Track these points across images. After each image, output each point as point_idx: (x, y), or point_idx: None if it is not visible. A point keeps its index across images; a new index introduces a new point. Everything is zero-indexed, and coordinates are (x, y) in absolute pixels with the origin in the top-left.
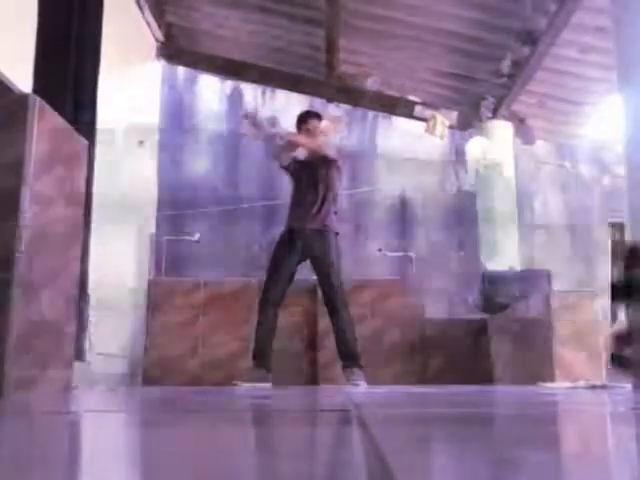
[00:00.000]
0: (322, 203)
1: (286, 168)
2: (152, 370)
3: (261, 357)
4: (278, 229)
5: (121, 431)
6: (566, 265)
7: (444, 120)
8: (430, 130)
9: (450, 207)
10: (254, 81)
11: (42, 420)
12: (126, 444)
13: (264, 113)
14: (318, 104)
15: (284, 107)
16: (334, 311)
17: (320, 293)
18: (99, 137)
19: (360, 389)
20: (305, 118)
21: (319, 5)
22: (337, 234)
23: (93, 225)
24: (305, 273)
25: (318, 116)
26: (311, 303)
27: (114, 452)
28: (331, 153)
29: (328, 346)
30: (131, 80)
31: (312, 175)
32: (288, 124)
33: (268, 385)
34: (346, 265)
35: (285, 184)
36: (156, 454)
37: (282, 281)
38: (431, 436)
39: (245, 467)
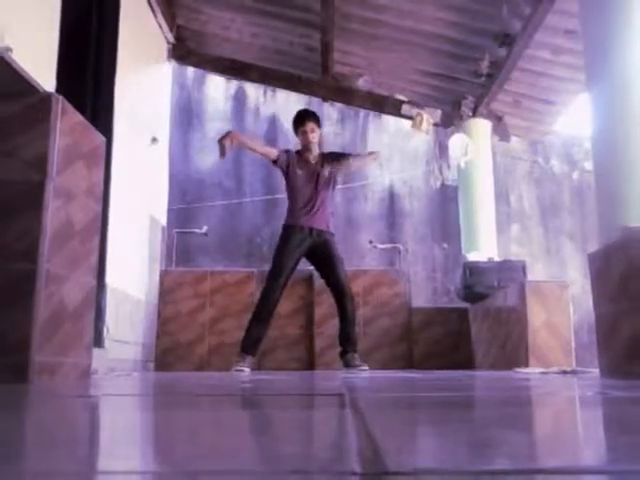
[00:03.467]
0: (326, 204)
1: (279, 165)
2: (164, 356)
3: (254, 348)
4: (277, 222)
5: (136, 413)
6: (539, 256)
7: (429, 118)
8: (417, 126)
9: (434, 201)
10: (256, 81)
11: (65, 403)
12: (140, 424)
13: (265, 112)
14: (315, 103)
15: (284, 106)
16: (345, 303)
17: (317, 283)
18: (118, 134)
19: (365, 373)
20: (303, 119)
21: (316, 9)
22: (333, 235)
23: (111, 218)
24: (301, 263)
25: (316, 117)
26: (308, 292)
27: (130, 431)
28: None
29: (324, 333)
30: (145, 80)
31: (318, 176)
32: (287, 123)
33: (248, 369)
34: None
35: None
36: (166, 433)
37: (286, 279)
38: (418, 419)
39: (239, 447)
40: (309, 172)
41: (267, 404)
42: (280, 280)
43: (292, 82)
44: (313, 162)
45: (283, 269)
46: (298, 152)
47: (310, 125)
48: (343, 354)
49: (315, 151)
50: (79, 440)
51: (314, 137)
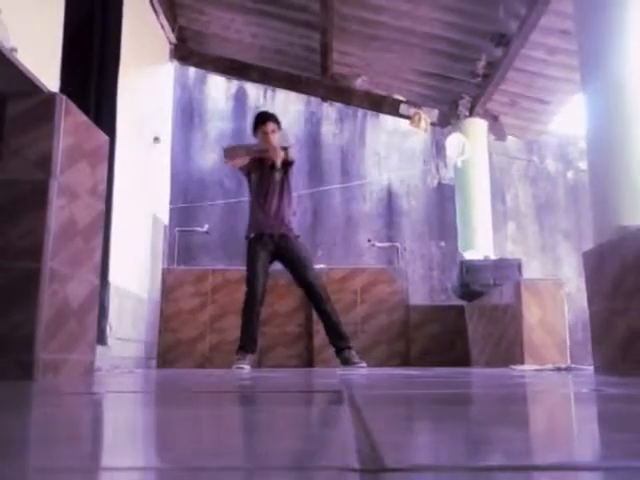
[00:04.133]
0: (286, 207)
1: (245, 172)
2: (166, 354)
3: (252, 345)
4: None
5: (138, 410)
6: (534, 254)
7: (427, 117)
8: (415, 124)
9: (432, 200)
10: (256, 81)
11: (69, 400)
12: (142, 421)
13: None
14: (314, 103)
15: (284, 106)
16: (319, 304)
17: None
18: (121, 133)
19: (363, 370)
20: (264, 120)
21: (315, 10)
22: (298, 237)
23: (114, 216)
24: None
25: (276, 119)
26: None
27: (132, 429)
28: (295, 157)
29: (321, 331)
30: (147, 80)
31: (275, 180)
32: (286, 123)
33: (249, 367)
34: (339, 255)
35: None
36: (167, 430)
37: (264, 281)
38: (415, 415)
39: (238, 444)
40: (270, 176)
41: (266, 401)
42: (261, 287)
43: (292, 82)
44: (273, 165)
45: (259, 276)
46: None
47: (271, 126)
48: (339, 352)
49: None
50: (82, 437)
51: (274, 138)
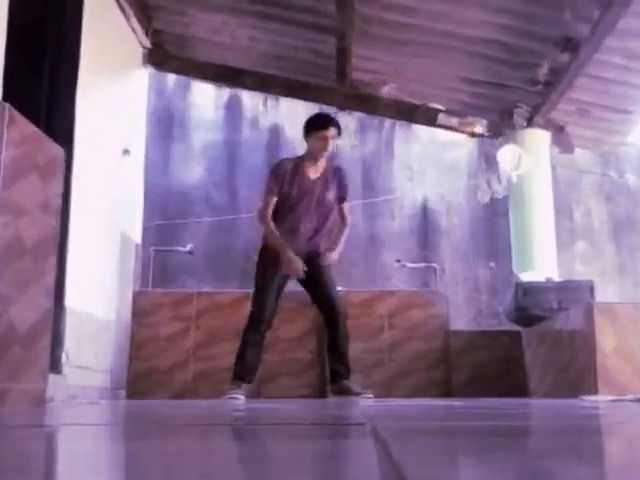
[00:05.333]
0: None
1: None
2: (138, 383)
3: (250, 373)
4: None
5: (97, 444)
6: (610, 276)
7: (471, 127)
8: (467, 132)
9: (478, 216)
10: (254, 88)
11: (13, 433)
12: (99, 457)
13: (266, 121)
14: (328, 112)
15: (288, 115)
16: (336, 327)
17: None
18: (81, 145)
19: (371, 401)
20: (326, 123)
21: (330, 12)
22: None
23: (72, 235)
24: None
25: (339, 126)
26: (318, 314)
27: (85, 466)
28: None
29: None
30: (115, 87)
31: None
32: (292, 133)
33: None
34: (359, 276)
35: None
36: (135, 468)
37: (276, 299)
38: (456, 448)
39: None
40: (308, 188)
41: (270, 434)
42: (271, 305)
43: (298, 89)
44: (315, 177)
45: (270, 293)
46: (297, 161)
47: (332, 131)
48: (335, 380)
49: (322, 164)
50: (26, 474)
51: (331, 147)
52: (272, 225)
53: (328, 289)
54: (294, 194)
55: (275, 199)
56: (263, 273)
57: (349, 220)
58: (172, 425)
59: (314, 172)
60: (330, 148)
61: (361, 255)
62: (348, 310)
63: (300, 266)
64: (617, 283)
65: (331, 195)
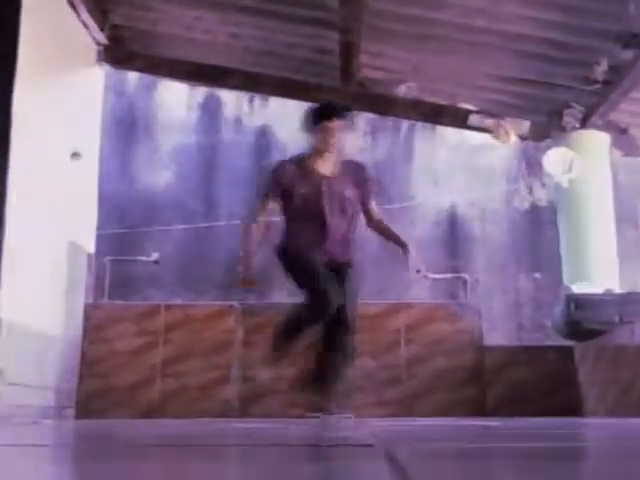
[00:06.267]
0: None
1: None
2: (90, 402)
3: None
4: (268, 248)
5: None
6: None
7: (511, 128)
8: (501, 137)
9: (519, 225)
10: (238, 87)
11: None
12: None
13: (252, 123)
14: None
15: (280, 116)
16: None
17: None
18: (21, 147)
19: (351, 421)
20: (328, 113)
21: (331, 5)
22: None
23: (9, 243)
24: None
25: (347, 112)
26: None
27: None
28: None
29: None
30: (62, 86)
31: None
32: (284, 135)
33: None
34: (371, 287)
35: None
36: None
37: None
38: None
39: None
40: (322, 187)
41: (264, 457)
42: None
43: (293, 89)
44: (330, 174)
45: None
46: (301, 159)
47: (338, 123)
48: (312, 389)
49: (331, 159)
50: None
51: (340, 139)
52: (253, 230)
53: (345, 299)
54: (308, 195)
55: (271, 204)
56: (296, 264)
57: (381, 217)
58: (138, 446)
59: (325, 168)
60: (335, 141)
61: (373, 264)
62: (359, 322)
63: (254, 280)
64: None
65: (352, 194)
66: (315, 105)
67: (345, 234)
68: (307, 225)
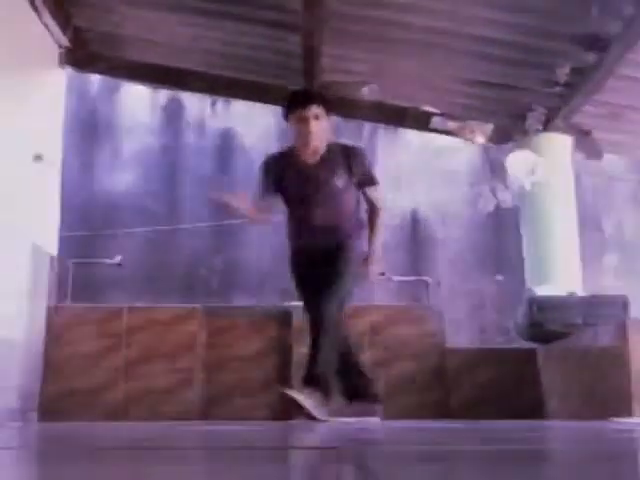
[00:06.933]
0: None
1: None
2: (54, 405)
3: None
4: (231, 251)
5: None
6: None
7: (476, 128)
8: (469, 137)
9: (482, 227)
10: (200, 90)
11: None
12: None
13: (215, 126)
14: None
15: (246, 119)
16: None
17: (297, 320)
18: None
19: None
20: (303, 101)
21: (294, 8)
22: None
23: None
24: (274, 298)
25: (322, 100)
26: (282, 331)
27: None
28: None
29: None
30: (23, 89)
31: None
32: (248, 138)
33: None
34: None
35: None
36: None
37: (312, 293)
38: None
39: None
40: (307, 177)
41: (221, 460)
42: None
43: (256, 91)
44: (314, 162)
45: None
46: (288, 152)
47: (314, 110)
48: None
49: (318, 149)
50: None
51: (317, 127)
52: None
53: (320, 297)
54: (297, 185)
55: (267, 200)
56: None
57: (379, 207)
58: (101, 449)
59: (311, 157)
60: (312, 129)
61: None
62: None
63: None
64: None
65: (340, 181)
66: (291, 92)
67: (336, 221)
68: (298, 219)
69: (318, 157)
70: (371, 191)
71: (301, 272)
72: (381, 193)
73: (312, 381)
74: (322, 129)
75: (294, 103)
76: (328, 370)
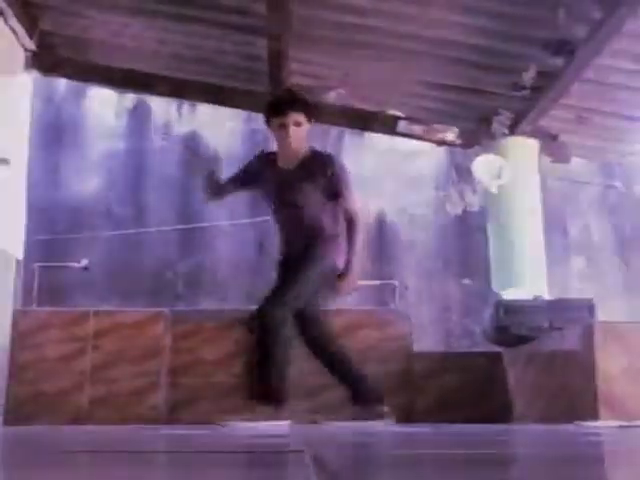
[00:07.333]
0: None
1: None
2: (20, 408)
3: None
4: (197, 255)
5: None
6: (615, 295)
7: (444, 134)
8: (435, 141)
9: (448, 231)
10: (166, 94)
11: None
12: None
13: (181, 129)
14: (257, 119)
15: (212, 123)
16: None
17: None
18: None
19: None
20: (283, 106)
21: (259, 12)
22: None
23: None
24: (239, 302)
25: (304, 104)
26: (242, 336)
27: None
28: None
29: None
30: None
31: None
32: (214, 141)
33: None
34: None
35: (202, 208)
36: None
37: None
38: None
39: None
40: (281, 182)
41: (200, 464)
42: None
43: (222, 95)
44: (290, 168)
45: None
46: (272, 154)
47: (294, 116)
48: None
49: (297, 154)
50: None
51: (296, 134)
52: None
53: (271, 298)
54: (274, 189)
55: (231, 184)
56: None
57: (355, 214)
58: (66, 453)
59: (289, 163)
60: (291, 136)
61: None
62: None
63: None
64: (624, 302)
65: (313, 187)
66: (271, 97)
67: (308, 230)
68: (279, 222)
69: (296, 162)
70: (348, 202)
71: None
72: (358, 204)
73: (266, 397)
74: (301, 136)
75: (275, 109)
76: (281, 378)
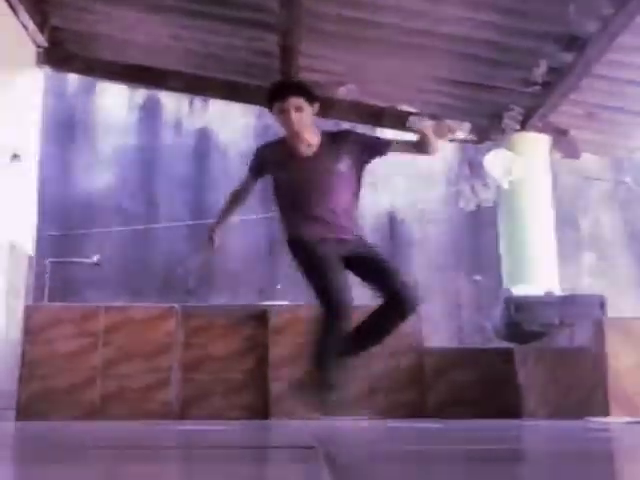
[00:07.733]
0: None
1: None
2: (32, 404)
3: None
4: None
5: None
6: (626, 290)
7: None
8: (443, 136)
9: (459, 226)
10: (177, 90)
11: None
12: None
13: (192, 125)
14: (268, 115)
15: (224, 118)
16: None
17: (273, 321)
18: None
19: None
20: (283, 92)
21: (271, 8)
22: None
23: None
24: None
25: (305, 90)
26: (259, 331)
27: None
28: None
29: (283, 377)
30: (4, 89)
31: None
32: (224, 136)
33: None
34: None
35: (213, 204)
36: None
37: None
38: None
39: None
40: (306, 170)
41: (203, 460)
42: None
43: (234, 91)
44: (311, 154)
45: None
46: (281, 141)
47: (293, 101)
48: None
49: (311, 138)
50: None
51: (299, 117)
52: (225, 203)
53: (389, 274)
54: (293, 179)
55: (250, 184)
56: (307, 259)
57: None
58: (78, 448)
59: (307, 149)
60: (296, 120)
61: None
62: (296, 325)
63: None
64: (635, 297)
65: (345, 165)
66: (271, 84)
67: (344, 212)
68: (301, 211)
69: (315, 148)
70: (398, 143)
71: (321, 259)
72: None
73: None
74: (304, 119)
75: (273, 95)
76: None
